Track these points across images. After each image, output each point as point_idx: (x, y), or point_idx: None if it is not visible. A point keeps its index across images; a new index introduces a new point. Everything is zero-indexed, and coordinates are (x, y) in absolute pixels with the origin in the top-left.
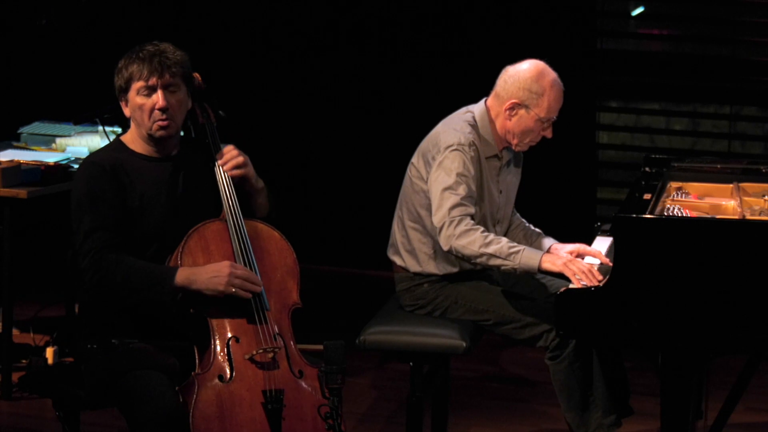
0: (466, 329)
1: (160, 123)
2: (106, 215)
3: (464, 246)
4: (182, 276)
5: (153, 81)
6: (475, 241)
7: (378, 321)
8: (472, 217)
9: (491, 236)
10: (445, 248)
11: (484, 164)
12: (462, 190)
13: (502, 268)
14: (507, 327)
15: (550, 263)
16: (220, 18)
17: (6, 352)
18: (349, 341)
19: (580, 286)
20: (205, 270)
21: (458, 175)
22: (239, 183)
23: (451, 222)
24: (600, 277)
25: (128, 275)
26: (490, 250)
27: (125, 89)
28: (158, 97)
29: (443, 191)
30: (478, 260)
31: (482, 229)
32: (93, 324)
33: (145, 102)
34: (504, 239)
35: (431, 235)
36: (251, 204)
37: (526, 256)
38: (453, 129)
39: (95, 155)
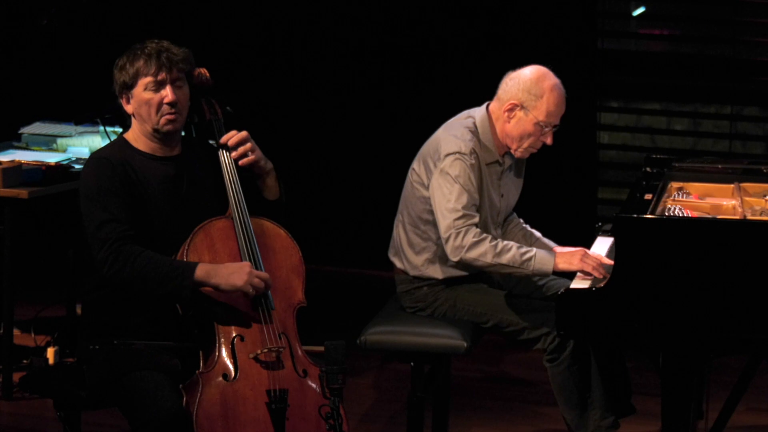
0: (466, 329)
1: (168, 117)
2: (118, 209)
3: (475, 258)
4: (202, 270)
5: (162, 76)
6: (487, 253)
7: (379, 321)
8: (477, 225)
9: (500, 244)
10: (455, 260)
11: (485, 170)
12: (464, 199)
13: (516, 274)
14: (505, 330)
15: (566, 263)
16: (222, 16)
17: (7, 353)
18: (350, 341)
19: (600, 275)
20: (225, 267)
21: (460, 183)
22: (248, 167)
23: (458, 233)
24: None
25: (148, 267)
26: (504, 260)
27: (131, 85)
28: (168, 92)
29: (446, 201)
30: (491, 269)
31: (490, 237)
32: (95, 324)
33: (152, 97)
34: (513, 245)
35: (432, 239)
36: (261, 186)
37: (539, 262)
38: (453, 136)
39: (102, 151)
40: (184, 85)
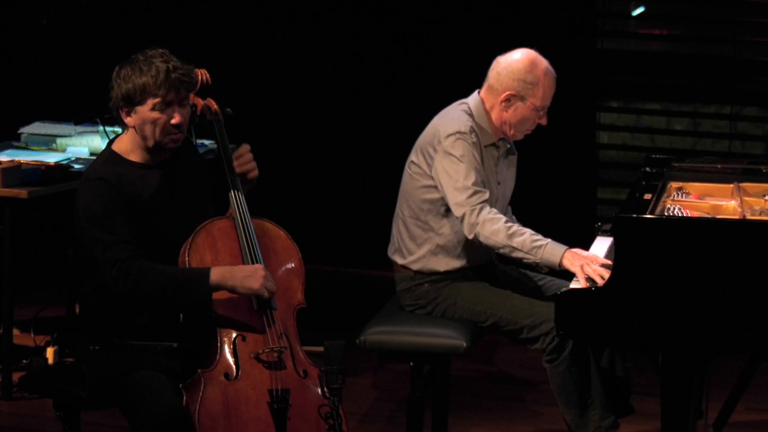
0: (466, 329)
1: (173, 137)
2: (123, 229)
3: (488, 236)
4: (217, 274)
5: (171, 97)
6: (499, 232)
7: (378, 321)
8: (489, 202)
9: (514, 227)
10: (470, 236)
11: (484, 152)
12: (473, 176)
13: (524, 260)
14: (504, 329)
15: (569, 262)
16: (222, 16)
17: (6, 353)
18: (349, 341)
19: (585, 286)
20: (240, 269)
21: (465, 162)
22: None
23: (473, 210)
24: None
25: (163, 280)
26: (514, 243)
27: (137, 102)
28: (176, 115)
29: (455, 181)
30: (501, 250)
31: (505, 218)
32: (95, 325)
33: (159, 117)
34: (527, 231)
35: (433, 230)
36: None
37: (548, 251)
38: (450, 119)
39: (96, 171)
40: (188, 103)
